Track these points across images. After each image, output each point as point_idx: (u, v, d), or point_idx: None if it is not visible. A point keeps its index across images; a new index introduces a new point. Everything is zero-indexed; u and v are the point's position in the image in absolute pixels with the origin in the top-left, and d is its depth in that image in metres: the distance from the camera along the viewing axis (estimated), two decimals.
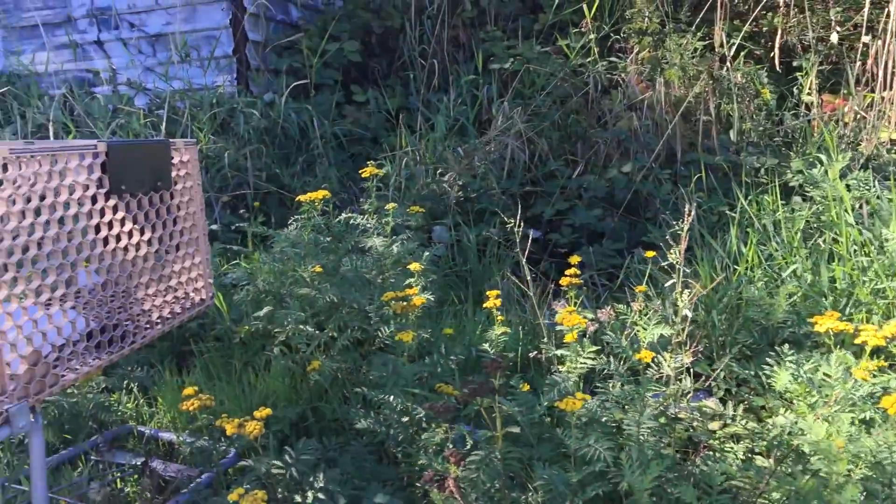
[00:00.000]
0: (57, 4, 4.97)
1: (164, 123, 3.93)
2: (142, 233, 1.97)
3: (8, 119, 4.11)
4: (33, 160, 1.69)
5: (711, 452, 2.08)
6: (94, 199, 1.84)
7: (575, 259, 2.44)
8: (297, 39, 5.01)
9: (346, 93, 4.92)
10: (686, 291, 1.69)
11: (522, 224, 3.13)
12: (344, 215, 2.72)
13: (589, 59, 4.49)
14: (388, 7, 5.21)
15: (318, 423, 2.31)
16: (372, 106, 4.82)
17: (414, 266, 2.33)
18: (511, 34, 5.11)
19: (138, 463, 2.06)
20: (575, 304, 2.35)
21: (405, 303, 2.06)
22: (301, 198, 2.50)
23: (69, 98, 4.21)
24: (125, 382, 2.55)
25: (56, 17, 4.96)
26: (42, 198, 1.72)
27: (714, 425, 2.24)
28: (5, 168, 1.63)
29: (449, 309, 3.00)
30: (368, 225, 2.67)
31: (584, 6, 4.56)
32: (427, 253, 2.72)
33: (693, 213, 1.91)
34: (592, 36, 4.53)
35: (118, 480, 2.11)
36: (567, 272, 2.27)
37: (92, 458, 2.19)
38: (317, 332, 2.46)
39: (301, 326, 2.42)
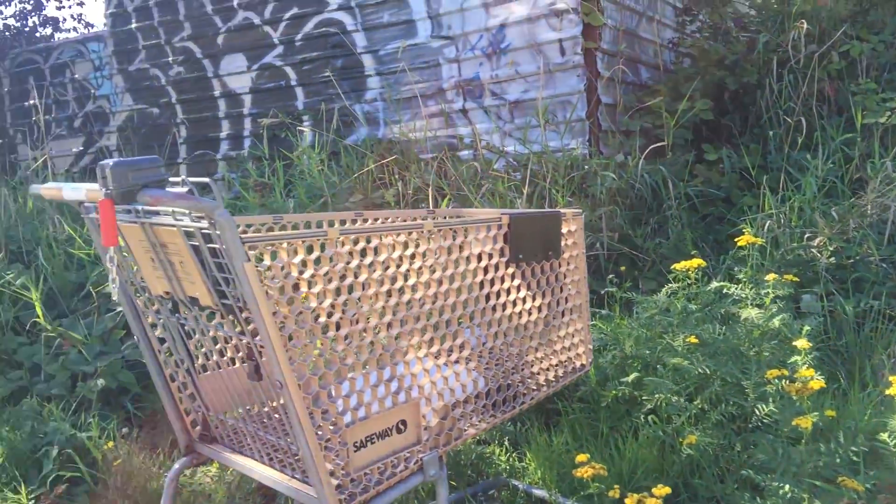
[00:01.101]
0: (430, 78, 5.53)
1: (525, 186, 4.16)
2: (533, 299, 2.08)
3: (391, 181, 4.63)
4: (450, 232, 1.87)
5: None
6: (495, 267, 1.98)
7: None
8: (647, 99, 5.04)
9: (697, 152, 4.83)
10: None
11: None
12: (715, 283, 2.65)
13: None
14: (744, 63, 5.04)
15: (691, 501, 2.24)
16: (725, 165, 4.67)
17: (802, 343, 2.19)
18: (886, 85, 4.67)
19: None
20: None
21: (800, 384, 1.93)
22: (676, 266, 2.48)
23: (443, 163, 4.63)
24: (497, 436, 2.69)
25: (429, 90, 5.52)
26: (455, 265, 1.89)
27: None
28: (429, 240, 1.83)
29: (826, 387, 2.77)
30: (743, 294, 2.57)
31: None
32: (806, 327, 2.55)
33: None
34: None
35: None
36: None
37: None
38: (687, 403, 2.41)
39: (672, 397, 2.38)
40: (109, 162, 1.43)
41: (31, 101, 7.84)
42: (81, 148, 7.61)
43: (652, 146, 4.60)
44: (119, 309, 3.35)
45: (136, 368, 3.23)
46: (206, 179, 1.54)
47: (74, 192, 1.65)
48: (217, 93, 6.58)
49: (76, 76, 7.57)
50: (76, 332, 3.29)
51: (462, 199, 4.20)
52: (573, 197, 4.22)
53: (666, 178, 4.39)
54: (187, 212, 1.55)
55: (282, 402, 1.72)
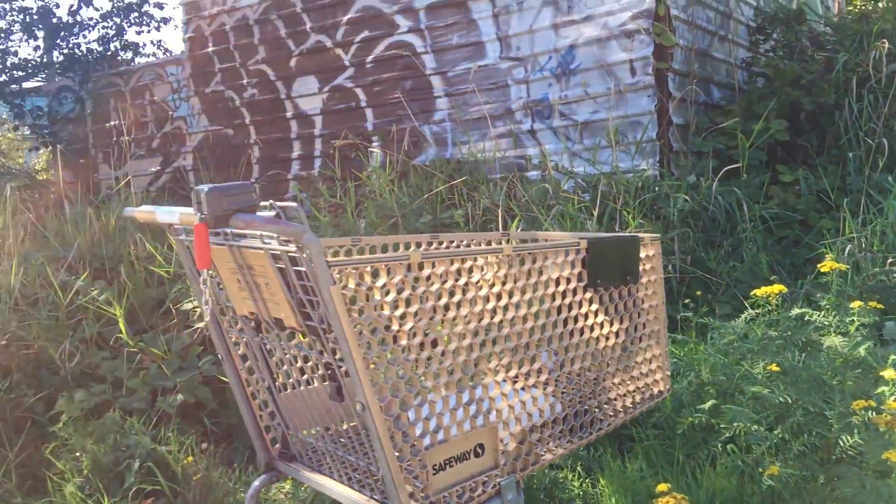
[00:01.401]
0: (498, 99, 5.56)
1: (595, 207, 4.13)
2: (611, 324, 2.07)
3: (460, 202, 4.65)
4: (529, 257, 1.87)
5: None
6: (573, 292, 1.98)
7: None
8: (720, 120, 4.96)
9: (772, 173, 4.73)
10: None
11: None
12: (796, 310, 2.58)
13: None
14: (821, 83, 4.93)
15: None
16: (801, 187, 4.57)
17: (889, 374, 2.12)
18: None
19: None
20: None
21: (889, 416, 1.87)
22: (756, 292, 2.44)
23: (511, 183, 4.64)
24: (570, 461, 2.67)
25: (497, 111, 5.55)
26: (534, 289, 1.89)
27: None
28: (510, 264, 1.83)
29: None
30: (826, 322, 2.50)
31: None
32: (893, 356, 2.47)
33: None
34: None
35: None
36: None
37: None
38: (767, 432, 2.35)
39: (752, 425, 2.33)
40: (204, 188, 1.48)
41: (113, 123, 8.14)
42: (159, 167, 7.85)
43: (725, 168, 4.53)
44: (197, 326, 3.44)
45: (212, 384, 3.30)
46: (293, 204, 1.58)
47: (168, 215, 1.71)
48: (289, 114, 6.73)
49: (155, 98, 7.84)
50: (156, 348, 3.39)
51: (531, 221, 4.20)
52: (644, 219, 4.18)
53: (740, 200, 4.32)
54: (275, 235, 1.59)
55: (361, 421, 1.74)
